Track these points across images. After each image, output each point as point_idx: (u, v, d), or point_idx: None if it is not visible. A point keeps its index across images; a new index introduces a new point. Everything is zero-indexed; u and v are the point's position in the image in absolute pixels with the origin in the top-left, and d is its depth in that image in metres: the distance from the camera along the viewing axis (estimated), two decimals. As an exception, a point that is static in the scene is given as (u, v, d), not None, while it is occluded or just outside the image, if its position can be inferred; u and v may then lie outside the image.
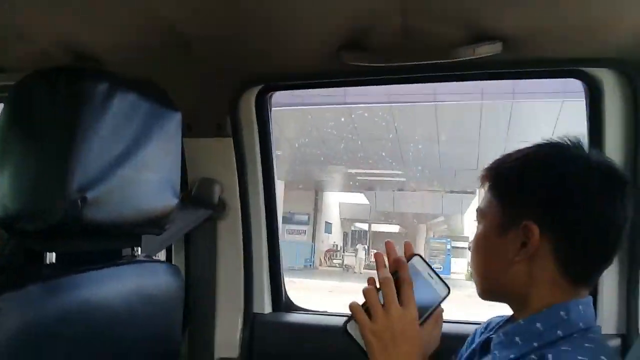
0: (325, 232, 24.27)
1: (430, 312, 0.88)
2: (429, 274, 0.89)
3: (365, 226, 29.36)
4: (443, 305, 0.92)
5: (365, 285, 0.88)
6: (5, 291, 0.72)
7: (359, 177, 18.65)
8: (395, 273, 0.87)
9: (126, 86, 0.93)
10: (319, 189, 22.23)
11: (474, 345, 1.02)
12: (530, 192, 0.88)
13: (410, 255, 0.90)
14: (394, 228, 28.68)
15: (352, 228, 29.62)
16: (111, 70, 1.32)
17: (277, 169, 1.50)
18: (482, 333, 1.04)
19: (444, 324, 1.44)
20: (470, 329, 1.10)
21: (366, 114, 12.07)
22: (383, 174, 17.92)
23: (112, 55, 1.31)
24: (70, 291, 0.86)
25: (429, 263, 0.90)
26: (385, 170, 17.32)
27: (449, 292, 0.90)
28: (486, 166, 0.96)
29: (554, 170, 0.87)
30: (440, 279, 0.90)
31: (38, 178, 0.80)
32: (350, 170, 17.60)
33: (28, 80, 0.85)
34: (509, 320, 0.96)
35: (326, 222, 24.34)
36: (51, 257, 0.86)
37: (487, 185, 0.94)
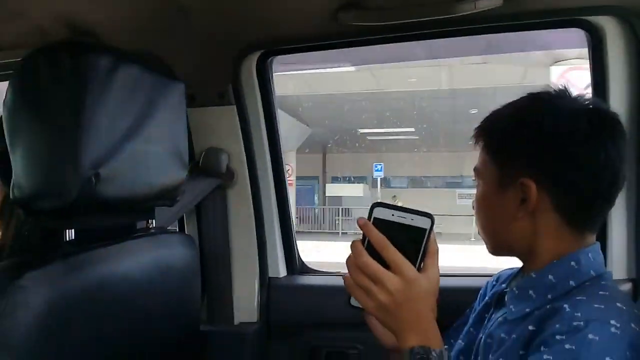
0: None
1: (422, 252, 0.82)
2: (399, 215, 0.81)
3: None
4: None
5: None
6: (29, 270, 0.74)
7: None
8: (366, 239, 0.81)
9: (129, 59, 0.92)
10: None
11: (487, 298, 1.04)
12: (521, 149, 0.88)
13: (370, 212, 0.83)
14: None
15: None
16: (111, 44, 1.32)
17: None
18: (493, 286, 1.06)
19: (456, 278, 1.46)
20: (482, 281, 1.13)
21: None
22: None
23: (110, 29, 1.30)
24: (91, 266, 0.88)
25: (393, 205, 0.83)
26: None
27: (432, 220, 0.82)
28: (478, 124, 0.96)
29: (541, 123, 0.86)
30: (415, 212, 0.82)
31: (51, 156, 0.80)
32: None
33: (31, 58, 0.84)
34: (519, 272, 0.98)
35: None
36: (70, 234, 0.88)
37: (480, 143, 0.94)
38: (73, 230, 0.89)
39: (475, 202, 0.97)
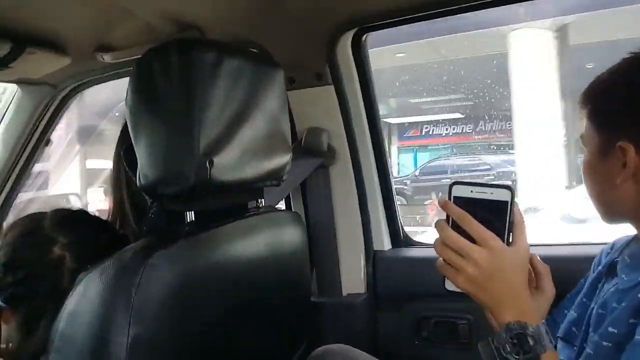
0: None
1: (508, 225, 0.81)
2: (478, 191, 0.81)
3: None
4: None
5: None
6: (157, 250, 0.82)
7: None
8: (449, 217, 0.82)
9: (231, 51, 0.97)
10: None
11: (600, 267, 1.01)
12: (616, 111, 0.85)
13: (449, 191, 0.83)
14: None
15: None
16: (213, 36, 1.40)
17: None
18: (607, 254, 1.02)
19: (570, 246, 1.42)
20: (597, 249, 1.09)
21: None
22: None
23: (212, 22, 1.38)
24: (210, 244, 0.95)
25: (470, 182, 0.83)
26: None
27: (512, 192, 0.81)
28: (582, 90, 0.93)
29: (632, 82, 0.83)
30: (494, 185, 0.82)
31: (169, 147, 0.87)
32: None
33: (145, 58, 0.91)
34: (632, 240, 0.94)
35: None
36: (190, 215, 0.96)
37: (584, 110, 0.92)
38: (193, 212, 0.97)
39: (582, 169, 0.95)
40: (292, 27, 1.42)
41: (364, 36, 1.51)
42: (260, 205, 1.15)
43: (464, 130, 15.16)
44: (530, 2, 1.40)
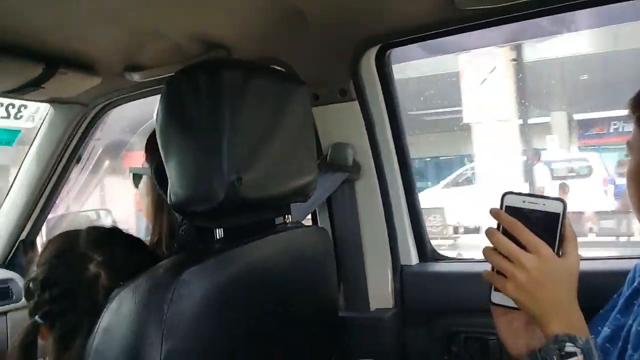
0: None
1: (559, 236, 0.80)
2: (530, 202, 0.80)
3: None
4: None
5: None
6: (189, 266, 0.83)
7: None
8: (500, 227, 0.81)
9: (257, 70, 1.00)
10: None
11: (635, 284, 0.98)
12: None
13: (501, 200, 0.83)
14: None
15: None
16: (239, 55, 1.43)
17: None
18: None
19: (603, 261, 1.39)
20: (630, 264, 1.07)
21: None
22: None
23: (238, 41, 1.40)
24: (239, 260, 0.96)
25: (523, 192, 0.82)
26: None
27: (564, 205, 0.80)
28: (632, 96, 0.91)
29: None
30: (547, 197, 0.81)
31: (199, 166, 0.89)
32: None
33: (174, 79, 0.94)
34: None
35: None
36: (219, 232, 0.97)
37: (635, 115, 0.90)
38: (222, 228, 0.98)
39: (626, 176, 0.92)
40: (316, 44, 1.43)
41: (388, 52, 1.52)
42: (287, 221, 1.16)
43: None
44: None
